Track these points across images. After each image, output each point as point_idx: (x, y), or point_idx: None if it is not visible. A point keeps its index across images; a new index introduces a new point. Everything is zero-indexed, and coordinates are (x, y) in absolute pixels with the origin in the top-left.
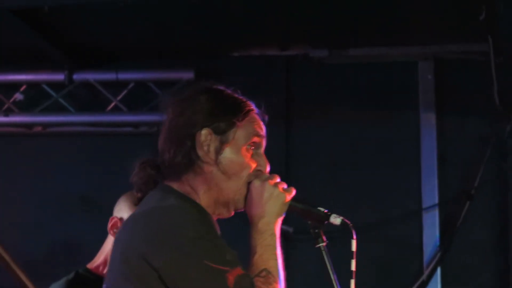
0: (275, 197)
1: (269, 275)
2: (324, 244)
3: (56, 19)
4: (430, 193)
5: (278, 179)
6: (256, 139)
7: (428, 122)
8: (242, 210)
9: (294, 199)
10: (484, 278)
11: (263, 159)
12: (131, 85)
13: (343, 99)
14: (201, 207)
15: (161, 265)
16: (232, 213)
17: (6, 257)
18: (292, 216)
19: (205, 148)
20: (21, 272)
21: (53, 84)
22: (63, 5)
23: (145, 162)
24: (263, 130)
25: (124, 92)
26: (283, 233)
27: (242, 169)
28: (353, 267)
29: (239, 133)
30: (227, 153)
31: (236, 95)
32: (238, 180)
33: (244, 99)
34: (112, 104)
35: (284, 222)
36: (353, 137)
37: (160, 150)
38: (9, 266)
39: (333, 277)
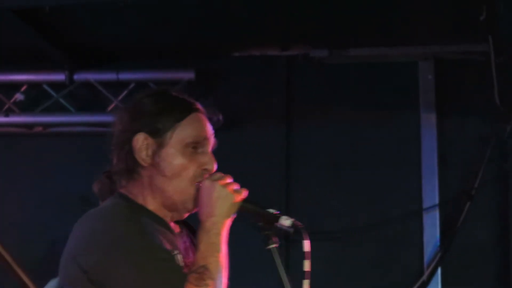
0: (224, 198)
1: (205, 272)
2: (275, 245)
3: (56, 19)
4: (431, 193)
5: (229, 180)
6: (197, 139)
7: (429, 122)
8: (194, 211)
9: (245, 200)
10: (485, 278)
11: (209, 158)
12: (132, 85)
13: (344, 99)
14: (142, 208)
15: (90, 267)
16: (185, 215)
17: (7, 257)
18: (293, 215)
19: (143, 153)
20: (22, 273)
21: (53, 84)
22: (63, 5)
23: (104, 172)
24: (205, 130)
25: (125, 92)
26: (284, 233)
27: (182, 170)
28: (307, 267)
29: (177, 134)
30: (165, 155)
31: (180, 97)
32: (180, 182)
33: (187, 100)
34: (113, 105)
35: None
36: (353, 137)
37: (111, 160)
38: (10, 266)
39: (284, 278)
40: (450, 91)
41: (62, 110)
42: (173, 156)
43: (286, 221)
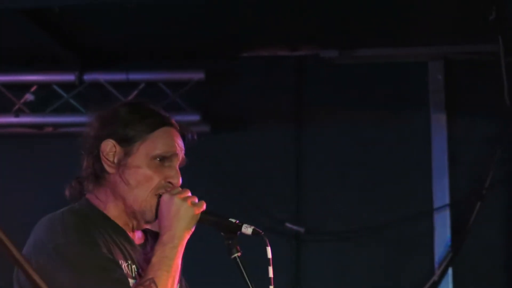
0: (183, 212)
1: (151, 285)
2: (238, 254)
3: (66, 19)
4: (441, 194)
5: (188, 193)
6: (165, 153)
7: (439, 123)
8: (153, 222)
9: (205, 212)
10: (496, 278)
11: (175, 172)
12: (142, 85)
13: (353, 99)
14: (101, 216)
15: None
16: (144, 225)
17: (19, 257)
18: (304, 216)
19: (110, 159)
20: (34, 273)
21: (63, 85)
22: (73, 6)
23: (76, 177)
24: (175, 145)
25: (135, 92)
26: (295, 234)
27: (145, 180)
28: (271, 273)
29: (146, 145)
30: (130, 164)
31: (155, 110)
32: (142, 191)
33: (162, 114)
34: None
35: (295, 223)
36: (363, 138)
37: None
38: (22, 266)
39: (251, 286)
40: (460, 91)
41: (72, 110)
42: (138, 166)
43: (247, 229)
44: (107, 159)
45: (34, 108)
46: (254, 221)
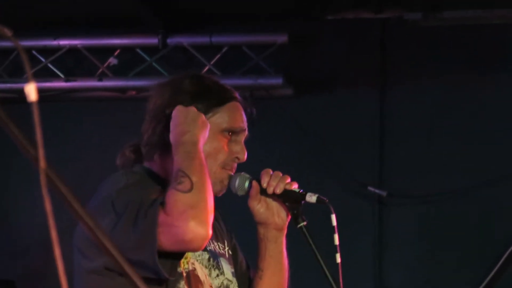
0: (192, 118)
1: (179, 172)
2: (305, 223)
3: None
4: None
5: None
6: (234, 127)
7: None
8: (218, 195)
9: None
10: None
11: (242, 147)
12: (225, 48)
13: (438, 62)
14: (163, 183)
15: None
16: None
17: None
18: (386, 179)
19: None
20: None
21: (147, 48)
22: None
23: (129, 145)
24: (242, 121)
25: (218, 56)
26: (377, 197)
27: (215, 153)
28: (336, 241)
29: (215, 118)
30: None
31: (221, 83)
32: (211, 164)
33: (227, 87)
34: (206, 68)
35: (378, 186)
36: (448, 101)
37: (142, 132)
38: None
39: (318, 256)
40: None
41: (155, 74)
42: (209, 138)
43: (311, 198)
44: None
45: (117, 71)
46: (337, 185)
